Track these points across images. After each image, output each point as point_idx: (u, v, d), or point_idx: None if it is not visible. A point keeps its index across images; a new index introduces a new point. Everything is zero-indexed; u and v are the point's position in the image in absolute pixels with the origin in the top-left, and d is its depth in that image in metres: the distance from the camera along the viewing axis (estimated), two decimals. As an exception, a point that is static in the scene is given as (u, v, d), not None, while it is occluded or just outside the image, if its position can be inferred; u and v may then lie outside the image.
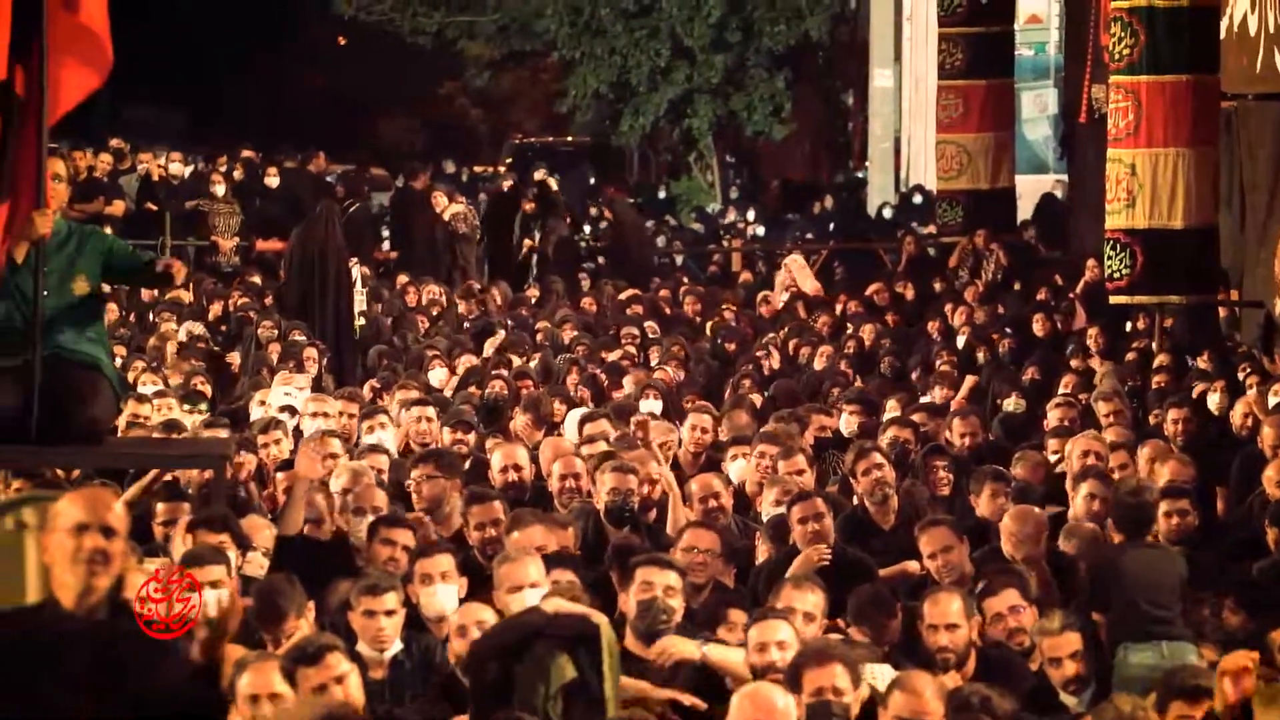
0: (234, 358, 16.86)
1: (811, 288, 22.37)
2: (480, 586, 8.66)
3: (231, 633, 6.03)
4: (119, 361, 12.67)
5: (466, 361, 16.34)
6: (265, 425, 12.49)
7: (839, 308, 20.46)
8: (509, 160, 38.11)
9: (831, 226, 31.55)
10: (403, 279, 22.65)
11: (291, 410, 12.98)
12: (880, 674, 7.45)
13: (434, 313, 20.26)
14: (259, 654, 7.25)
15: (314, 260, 18.33)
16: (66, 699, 5.76)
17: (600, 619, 7.44)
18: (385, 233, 27.44)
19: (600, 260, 26.48)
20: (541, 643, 7.25)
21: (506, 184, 27.99)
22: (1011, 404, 14.55)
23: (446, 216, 25.21)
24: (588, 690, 7.18)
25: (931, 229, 27.40)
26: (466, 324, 19.67)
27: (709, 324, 19.90)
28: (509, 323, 19.30)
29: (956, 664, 8.02)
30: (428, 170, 27.89)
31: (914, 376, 16.39)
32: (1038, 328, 18.60)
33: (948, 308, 19.82)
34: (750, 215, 33.70)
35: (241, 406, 14.04)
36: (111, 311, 19.15)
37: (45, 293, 9.36)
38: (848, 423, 13.40)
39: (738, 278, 26.24)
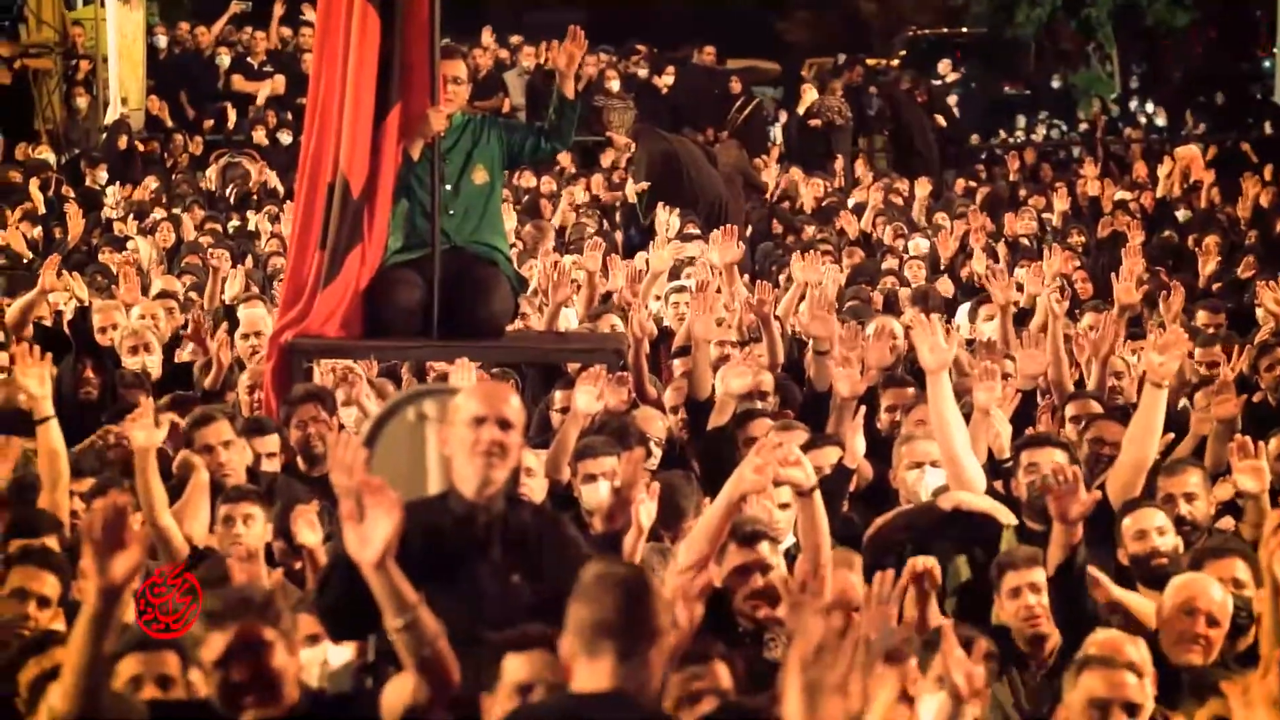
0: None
1: (1204, 178, 21.75)
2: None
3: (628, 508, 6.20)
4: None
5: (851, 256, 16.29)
6: (675, 290, 12.74)
7: (1246, 201, 19.79)
8: (902, 53, 37.65)
9: (1236, 117, 30.55)
10: (790, 174, 22.57)
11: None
12: None
13: (811, 209, 20.18)
14: (654, 546, 7.30)
15: (659, 160, 18.30)
16: (489, 583, 5.83)
17: (1008, 518, 7.24)
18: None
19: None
20: (940, 542, 7.16)
21: (902, 80, 27.60)
22: None
23: (809, 110, 25.09)
24: (984, 595, 7.02)
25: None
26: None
27: (1104, 217, 19.44)
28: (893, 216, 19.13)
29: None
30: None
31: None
32: None
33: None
34: (1150, 107, 32.81)
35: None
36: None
37: (448, 186, 9.56)
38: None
39: (1134, 169, 25.59)
